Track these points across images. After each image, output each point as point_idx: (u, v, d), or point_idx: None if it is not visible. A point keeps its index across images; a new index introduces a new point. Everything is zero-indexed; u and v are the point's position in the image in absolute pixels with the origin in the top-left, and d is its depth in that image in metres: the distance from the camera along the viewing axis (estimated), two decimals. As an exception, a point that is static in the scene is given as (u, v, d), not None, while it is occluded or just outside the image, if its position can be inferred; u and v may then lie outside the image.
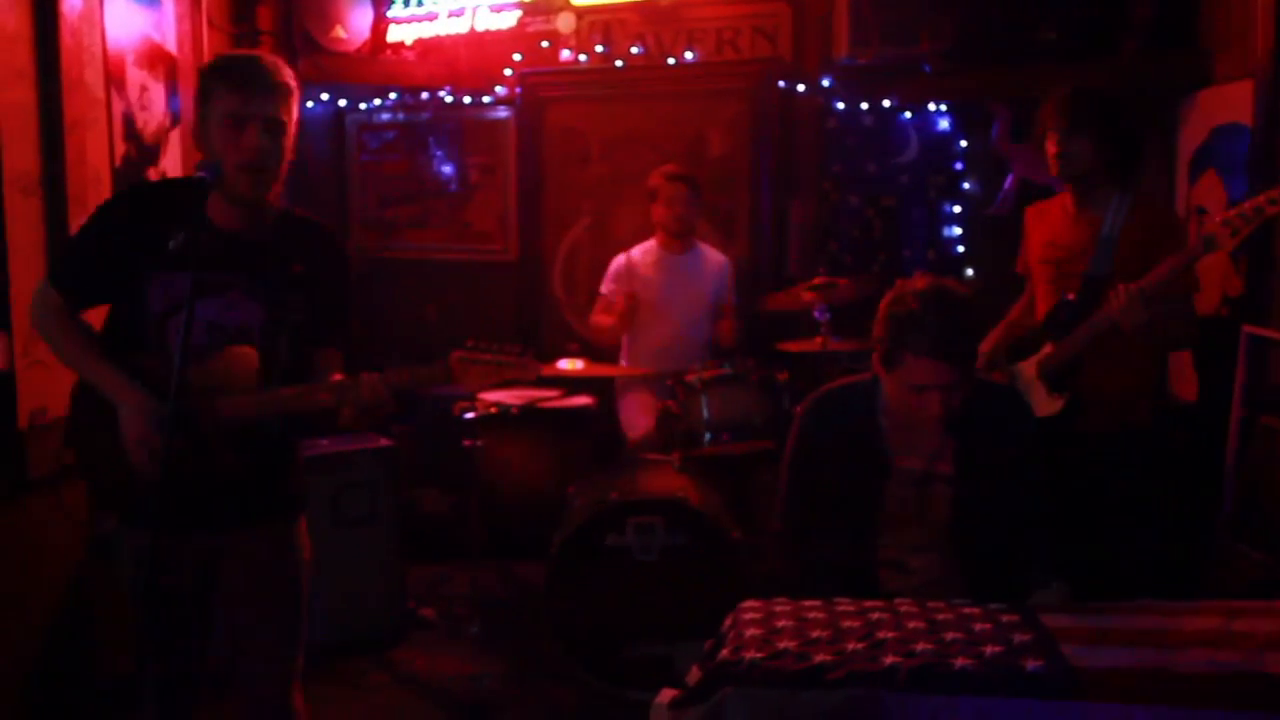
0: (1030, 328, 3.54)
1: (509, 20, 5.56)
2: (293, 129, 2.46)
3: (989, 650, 2.15)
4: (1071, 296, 3.35)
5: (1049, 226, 3.55)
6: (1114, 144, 3.36)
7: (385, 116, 5.91)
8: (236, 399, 2.44)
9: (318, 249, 2.62)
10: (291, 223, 2.58)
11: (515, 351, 2.51)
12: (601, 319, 4.87)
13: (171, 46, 4.36)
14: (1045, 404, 3.35)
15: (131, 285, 2.43)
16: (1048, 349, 3.37)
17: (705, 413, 4.14)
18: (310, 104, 5.69)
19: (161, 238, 2.31)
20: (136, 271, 2.42)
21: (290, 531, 2.64)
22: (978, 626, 2.27)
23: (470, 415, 4.45)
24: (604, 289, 4.94)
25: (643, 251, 4.92)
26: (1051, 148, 3.39)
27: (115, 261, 2.44)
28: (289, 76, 2.45)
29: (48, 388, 3.41)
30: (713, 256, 4.96)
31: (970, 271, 5.24)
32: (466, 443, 4.44)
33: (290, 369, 2.52)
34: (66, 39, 3.59)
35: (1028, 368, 3.42)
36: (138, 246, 2.42)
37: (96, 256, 2.48)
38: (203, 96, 2.43)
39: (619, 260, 4.93)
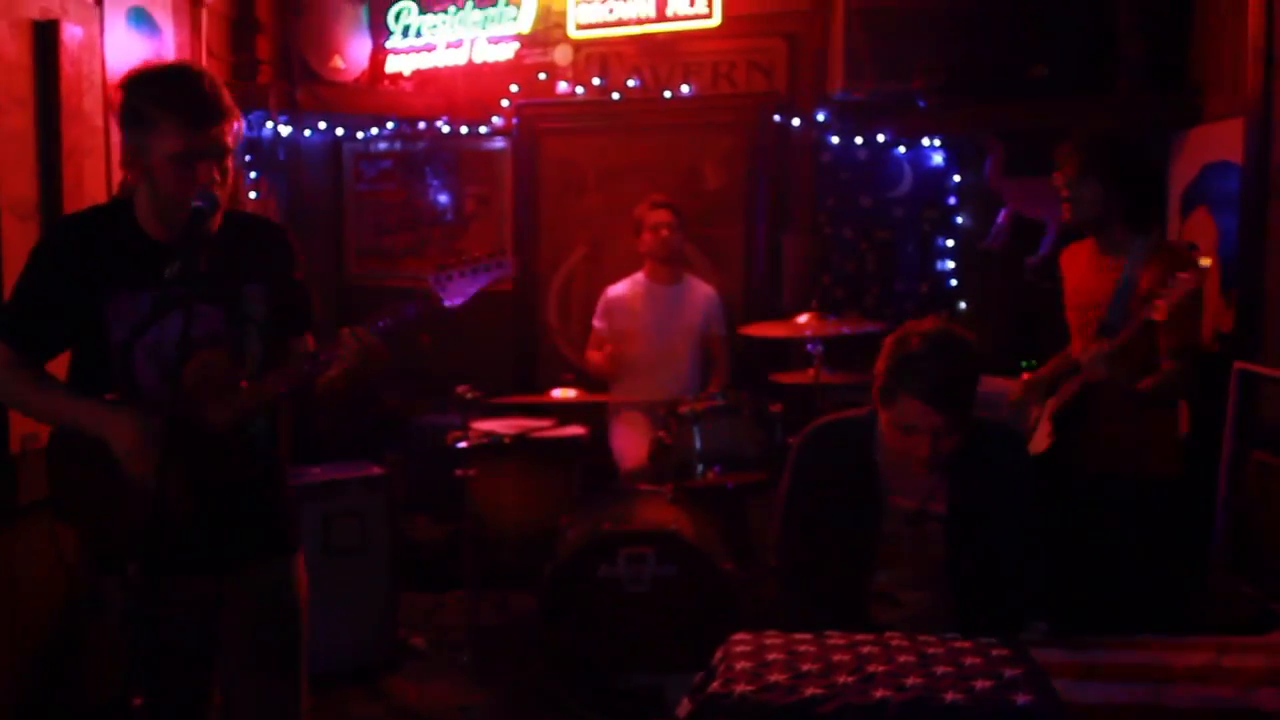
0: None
1: (507, 52, 5.60)
2: (233, 148, 2.39)
3: (979, 685, 2.15)
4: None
5: (1077, 271, 3.57)
6: (1125, 189, 3.37)
7: (382, 146, 5.95)
8: (221, 402, 2.38)
9: (266, 243, 2.57)
10: (236, 223, 2.52)
11: (486, 254, 2.41)
12: (597, 364, 4.90)
13: (171, 75, 4.37)
14: (1041, 440, 3.44)
15: (86, 319, 2.36)
16: (1063, 389, 3.44)
17: (698, 444, 4.14)
18: (307, 133, 5.72)
19: (109, 264, 2.28)
20: (88, 304, 2.35)
21: (289, 568, 2.60)
22: (968, 660, 2.28)
23: (463, 444, 4.45)
24: (595, 323, 4.97)
25: (630, 284, 4.95)
26: (1063, 192, 3.42)
27: (64, 299, 2.37)
28: (225, 94, 2.35)
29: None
30: (700, 288, 4.99)
31: (963, 305, 5.26)
32: (459, 472, 4.44)
33: (265, 365, 2.47)
34: (66, 67, 3.61)
35: (1050, 403, 3.50)
36: (85, 278, 2.35)
37: (43, 299, 2.39)
38: (135, 120, 2.31)
39: (607, 295, 4.97)
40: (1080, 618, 3.31)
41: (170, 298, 2.35)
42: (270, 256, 2.56)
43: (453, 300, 2.39)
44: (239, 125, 2.39)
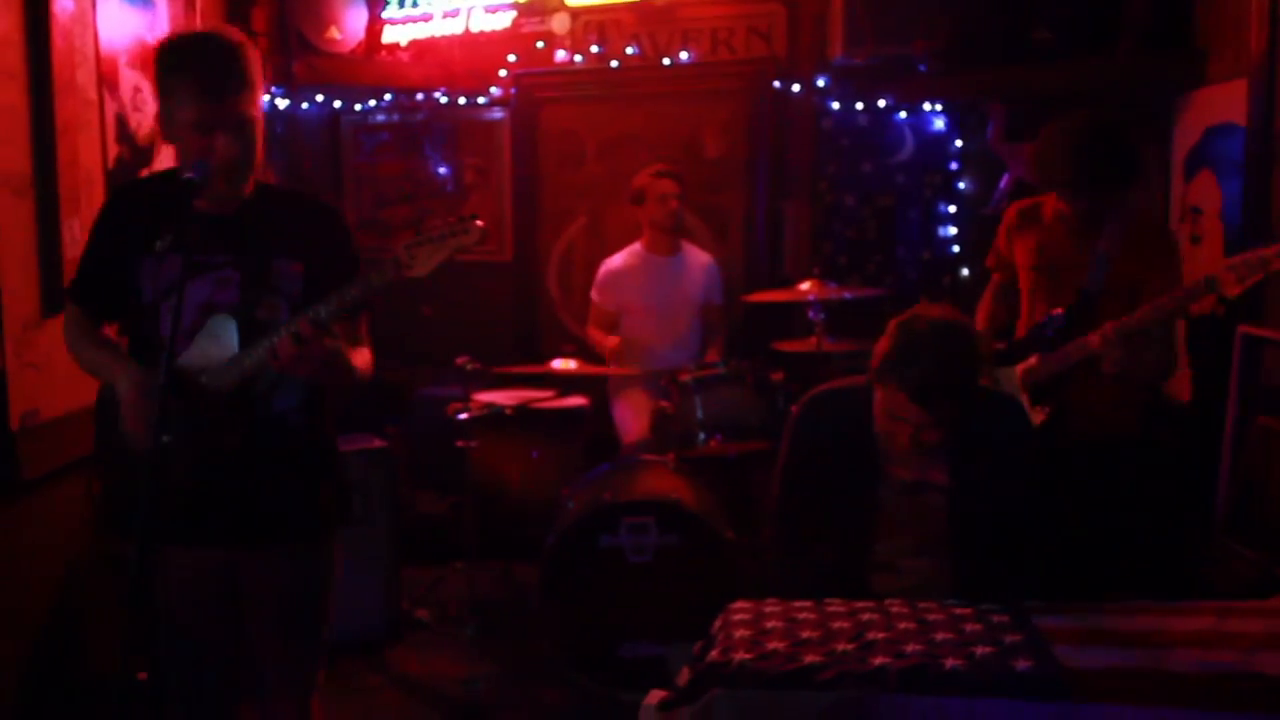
0: (1014, 332, 3.54)
1: (504, 21, 5.55)
2: (260, 117, 2.38)
3: (979, 651, 2.14)
4: (1059, 311, 3.33)
5: (1040, 232, 3.48)
6: (1118, 178, 3.28)
7: (380, 118, 5.91)
8: (213, 370, 2.37)
9: (305, 217, 2.53)
10: (273, 196, 2.52)
11: (455, 221, 2.36)
12: (600, 346, 4.85)
13: (165, 47, 4.34)
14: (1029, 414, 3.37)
15: (128, 280, 2.42)
16: (1033, 360, 3.36)
17: (700, 413, 4.13)
18: (305, 105, 5.69)
19: (148, 228, 2.29)
20: (130, 265, 2.41)
21: (318, 552, 2.57)
22: (968, 627, 2.27)
23: (464, 416, 4.45)
24: (594, 296, 4.94)
25: (628, 256, 4.92)
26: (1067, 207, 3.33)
27: (111, 261, 2.45)
28: (249, 63, 2.33)
29: (40, 389, 3.40)
30: (699, 257, 4.96)
31: (965, 271, 5.23)
32: (460, 444, 4.43)
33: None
34: (58, 40, 3.58)
35: (1013, 375, 3.41)
36: (127, 241, 2.40)
37: (96, 261, 2.50)
38: (163, 90, 2.34)
39: (605, 268, 4.93)
40: (1080, 584, 3.32)
41: (198, 263, 2.36)
42: (305, 229, 2.50)
43: (418, 272, 2.33)
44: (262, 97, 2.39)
